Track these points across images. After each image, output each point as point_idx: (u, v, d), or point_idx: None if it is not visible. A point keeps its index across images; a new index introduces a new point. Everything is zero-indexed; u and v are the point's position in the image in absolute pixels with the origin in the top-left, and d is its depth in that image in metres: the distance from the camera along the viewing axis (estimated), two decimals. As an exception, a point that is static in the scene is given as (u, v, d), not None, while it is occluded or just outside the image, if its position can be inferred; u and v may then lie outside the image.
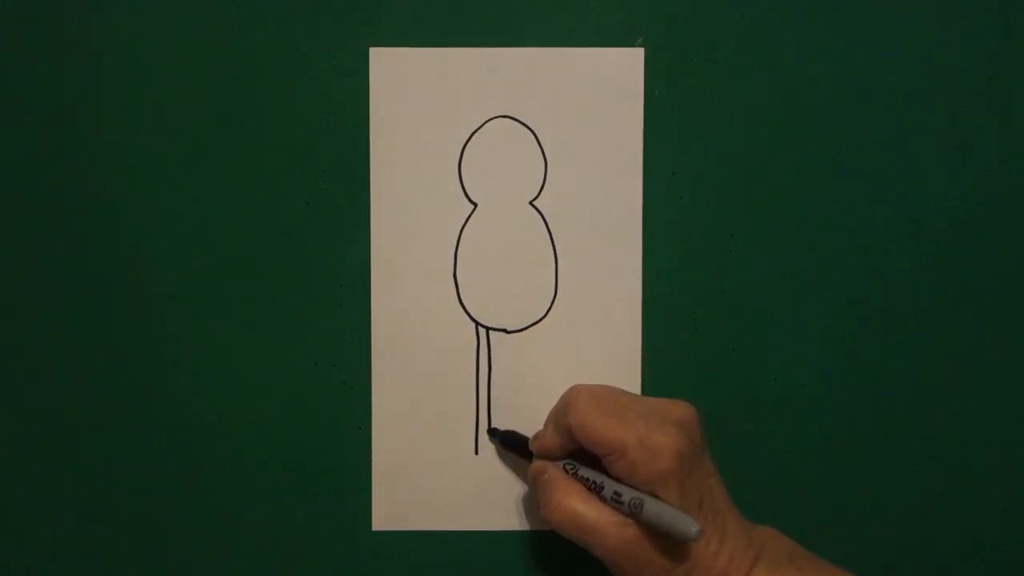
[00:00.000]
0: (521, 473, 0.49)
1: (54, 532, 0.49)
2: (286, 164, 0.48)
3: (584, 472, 0.43)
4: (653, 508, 0.40)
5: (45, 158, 0.48)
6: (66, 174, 0.48)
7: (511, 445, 0.48)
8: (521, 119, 0.49)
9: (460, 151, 0.49)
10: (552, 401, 0.48)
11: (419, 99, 0.48)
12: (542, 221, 0.49)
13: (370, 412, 0.49)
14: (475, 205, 0.49)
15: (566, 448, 0.44)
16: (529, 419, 0.49)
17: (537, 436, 0.46)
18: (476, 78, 0.48)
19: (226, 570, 0.49)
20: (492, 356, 0.49)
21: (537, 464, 0.45)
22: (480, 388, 0.49)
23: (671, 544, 0.41)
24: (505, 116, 0.49)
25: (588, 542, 0.42)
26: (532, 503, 0.49)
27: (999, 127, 0.49)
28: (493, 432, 0.49)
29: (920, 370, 0.49)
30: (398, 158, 0.49)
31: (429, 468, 0.49)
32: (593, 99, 0.48)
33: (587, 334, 0.49)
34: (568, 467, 0.44)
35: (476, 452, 0.49)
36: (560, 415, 0.44)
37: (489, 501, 0.49)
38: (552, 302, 0.49)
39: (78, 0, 0.48)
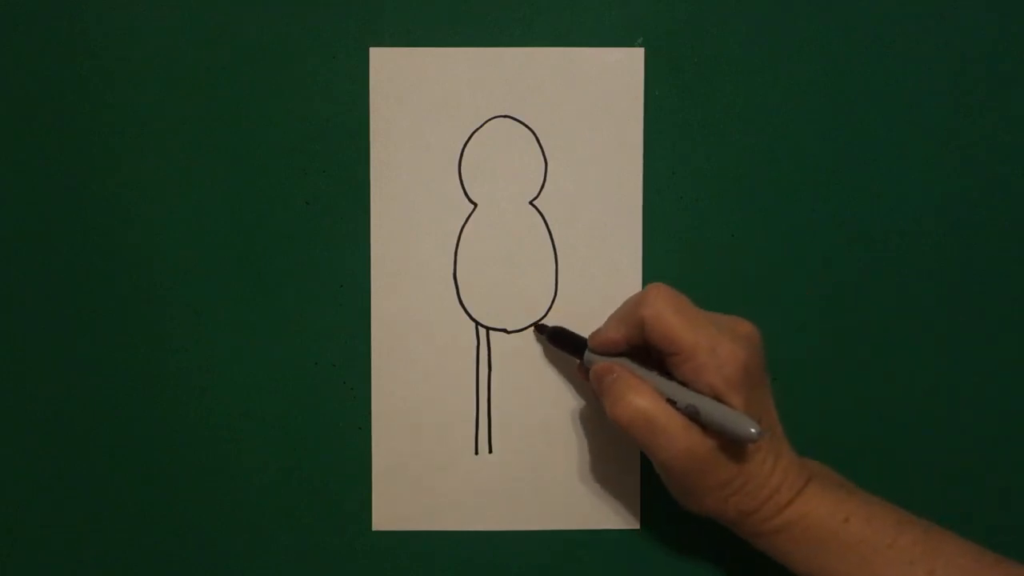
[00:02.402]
0: (521, 473, 0.49)
1: (54, 532, 0.49)
2: (286, 164, 0.49)
3: (641, 372, 0.43)
4: (714, 409, 0.40)
5: (45, 159, 0.48)
6: (66, 174, 0.48)
7: (560, 341, 0.47)
8: (521, 119, 0.49)
9: (460, 151, 0.49)
10: (550, 399, 0.49)
11: (419, 99, 0.48)
12: (542, 221, 0.49)
13: (370, 412, 0.49)
14: (475, 205, 0.49)
15: (629, 342, 0.43)
16: (529, 418, 0.49)
17: (598, 331, 0.45)
18: (476, 78, 0.48)
19: (226, 570, 0.49)
20: (492, 356, 0.49)
21: (603, 364, 0.44)
22: (480, 388, 0.49)
23: (733, 454, 0.41)
24: (505, 116, 0.49)
25: (655, 443, 0.41)
26: (532, 503, 0.49)
27: (999, 127, 0.49)
28: (541, 328, 0.48)
29: (920, 369, 0.49)
30: (398, 158, 0.49)
31: (429, 468, 0.49)
32: (593, 99, 0.48)
33: (587, 334, 0.49)
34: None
35: (476, 452, 0.49)
36: (632, 308, 0.43)
37: (489, 501, 0.49)
38: (552, 302, 0.49)
39: (78, 0, 0.48)
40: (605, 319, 0.47)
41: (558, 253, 0.49)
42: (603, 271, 0.49)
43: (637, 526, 0.49)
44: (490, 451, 0.49)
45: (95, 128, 0.48)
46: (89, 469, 0.49)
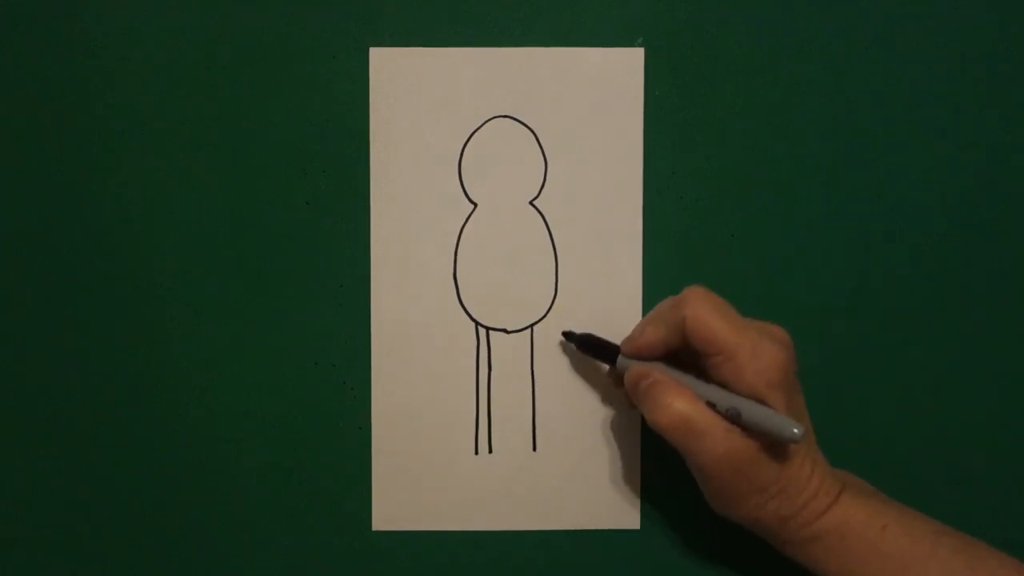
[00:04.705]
0: (521, 473, 0.49)
1: (54, 532, 0.49)
2: (286, 164, 0.49)
3: (677, 376, 0.42)
4: (757, 411, 0.39)
5: (45, 159, 0.48)
6: (66, 175, 0.48)
7: (590, 347, 0.47)
8: (521, 119, 0.49)
9: (460, 151, 0.49)
10: (550, 399, 0.49)
11: (419, 99, 0.48)
12: (542, 221, 0.49)
13: (370, 412, 0.49)
14: (475, 205, 0.49)
15: (667, 345, 0.43)
16: (529, 418, 0.49)
17: (632, 335, 0.44)
18: (476, 78, 0.48)
19: (226, 570, 0.49)
20: (492, 356, 0.49)
21: (639, 368, 0.43)
22: (480, 388, 0.49)
23: (773, 457, 0.40)
24: (505, 116, 0.49)
25: (696, 447, 0.40)
26: (532, 503, 0.49)
27: (999, 127, 0.49)
28: (569, 336, 0.47)
29: (920, 370, 0.49)
30: (398, 158, 0.49)
31: (429, 468, 0.49)
32: (593, 99, 0.48)
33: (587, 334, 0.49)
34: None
35: (476, 452, 0.49)
36: (670, 309, 0.43)
37: (489, 501, 0.49)
38: (552, 302, 0.49)
39: (78, 0, 0.48)
40: (605, 319, 0.48)
41: (558, 253, 0.49)
42: (603, 271, 0.49)
43: (637, 526, 0.49)
44: (490, 451, 0.49)
45: (95, 128, 0.48)
46: (89, 469, 0.49)
